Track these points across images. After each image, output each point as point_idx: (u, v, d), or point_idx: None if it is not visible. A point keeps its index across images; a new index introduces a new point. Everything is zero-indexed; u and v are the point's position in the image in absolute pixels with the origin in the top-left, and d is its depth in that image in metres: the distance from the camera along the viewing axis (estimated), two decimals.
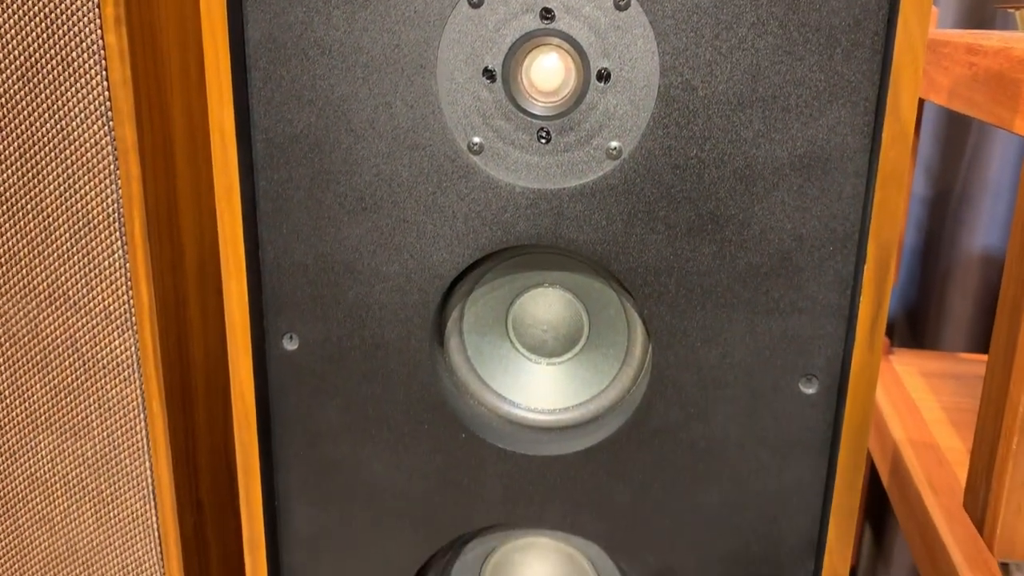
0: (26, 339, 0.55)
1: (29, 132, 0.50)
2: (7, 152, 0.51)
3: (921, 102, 0.93)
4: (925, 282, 1.32)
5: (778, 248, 0.45)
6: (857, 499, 0.47)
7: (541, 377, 0.54)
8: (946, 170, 1.26)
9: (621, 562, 0.53)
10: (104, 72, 0.49)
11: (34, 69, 0.49)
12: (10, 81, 0.50)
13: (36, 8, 0.48)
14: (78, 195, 0.52)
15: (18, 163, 0.51)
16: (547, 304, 0.52)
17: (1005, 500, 0.46)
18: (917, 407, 0.83)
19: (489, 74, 0.44)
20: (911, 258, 1.34)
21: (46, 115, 0.50)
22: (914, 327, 1.33)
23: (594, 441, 0.50)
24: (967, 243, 1.25)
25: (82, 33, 0.48)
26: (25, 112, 0.50)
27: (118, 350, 0.54)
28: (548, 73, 0.44)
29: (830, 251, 0.44)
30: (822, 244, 0.44)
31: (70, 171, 0.51)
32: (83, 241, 0.52)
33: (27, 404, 0.57)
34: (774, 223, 0.44)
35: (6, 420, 0.57)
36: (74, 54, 0.48)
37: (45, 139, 0.51)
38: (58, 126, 0.50)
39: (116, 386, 0.55)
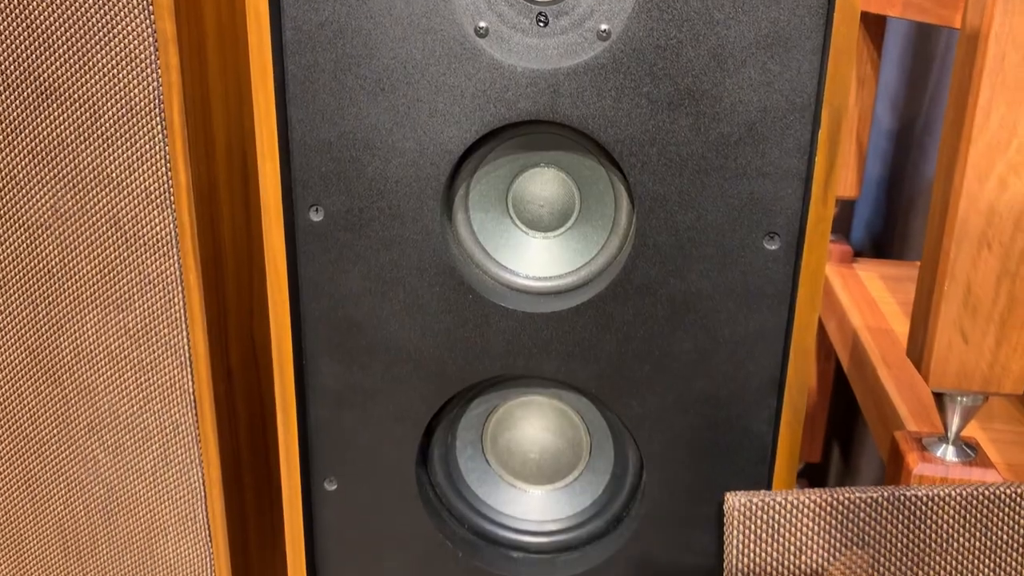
0: (74, 219, 0.61)
1: (77, 26, 0.56)
2: (56, 43, 0.57)
3: (883, 22, 0.99)
4: (889, 210, 1.40)
5: (745, 119, 0.52)
6: (813, 339, 0.55)
7: (537, 249, 0.60)
8: (910, 103, 1.33)
9: (608, 407, 0.60)
10: None
11: None
12: None
13: None
14: (121, 84, 0.57)
15: (67, 54, 0.57)
16: (543, 182, 0.59)
17: (938, 337, 0.53)
18: (876, 302, 0.91)
19: None
20: (876, 188, 1.41)
21: (92, 9, 0.56)
22: (878, 251, 1.41)
23: (584, 298, 0.57)
24: (930, 171, 1.33)
25: None
26: (73, 7, 0.56)
27: (158, 228, 0.60)
28: None
29: (790, 120, 0.51)
30: (783, 114, 0.51)
31: (114, 62, 0.57)
32: (126, 127, 0.58)
33: (74, 280, 0.63)
34: (742, 96, 0.51)
35: (56, 296, 0.63)
36: None
37: (92, 32, 0.56)
38: (103, 20, 0.56)
39: (156, 261, 0.61)
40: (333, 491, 0.64)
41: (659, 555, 0.62)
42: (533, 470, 0.66)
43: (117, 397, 0.66)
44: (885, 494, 0.52)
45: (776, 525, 0.52)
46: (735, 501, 0.52)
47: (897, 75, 1.32)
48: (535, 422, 0.65)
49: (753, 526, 0.52)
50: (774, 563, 0.52)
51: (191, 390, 0.65)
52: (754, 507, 0.52)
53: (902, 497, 0.52)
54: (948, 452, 0.57)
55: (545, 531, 0.66)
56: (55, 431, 0.68)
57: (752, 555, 0.52)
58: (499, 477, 0.67)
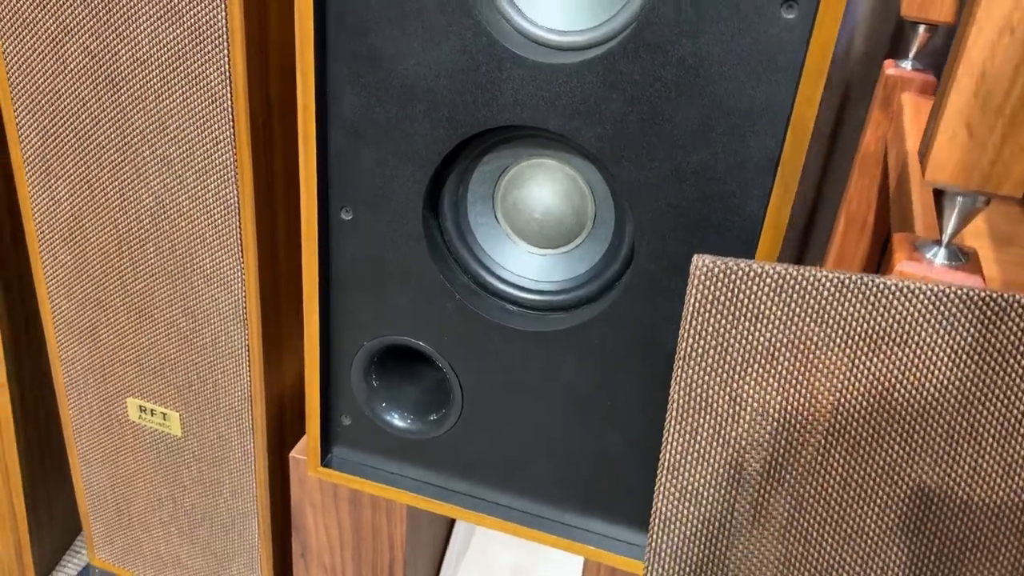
0: None
1: None
2: None
3: None
4: None
5: None
6: (813, 116, 0.54)
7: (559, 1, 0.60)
8: None
9: (607, 170, 0.61)
10: None
11: None
12: None
13: None
14: None
15: None
16: None
17: (942, 126, 0.51)
18: None
19: None
20: None
21: None
22: None
23: (597, 54, 0.57)
24: None
25: None
26: None
27: None
28: None
29: None
30: None
31: None
32: None
33: None
34: None
35: (115, 4, 0.68)
36: None
37: None
38: None
39: None
40: (348, 221, 0.68)
41: (640, 320, 0.65)
42: (537, 230, 0.69)
43: (166, 108, 0.71)
44: (853, 277, 0.53)
45: (736, 291, 0.54)
46: (700, 261, 0.54)
47: None
48: (545, 183, 0.67)
49: (714, 288, 0.54)
50: (728, 327, 0.54)
51: (230, 107, 0.69)
52: (717, 270, 0.53)
53: (869, 283, 0.53)
54: (939, 255, 0.56)
55: (540, 290, 0.70)
56: (112, 137, 0.74)
57: (708, 316, 0.54)
58: (505, 234, 0.70)
